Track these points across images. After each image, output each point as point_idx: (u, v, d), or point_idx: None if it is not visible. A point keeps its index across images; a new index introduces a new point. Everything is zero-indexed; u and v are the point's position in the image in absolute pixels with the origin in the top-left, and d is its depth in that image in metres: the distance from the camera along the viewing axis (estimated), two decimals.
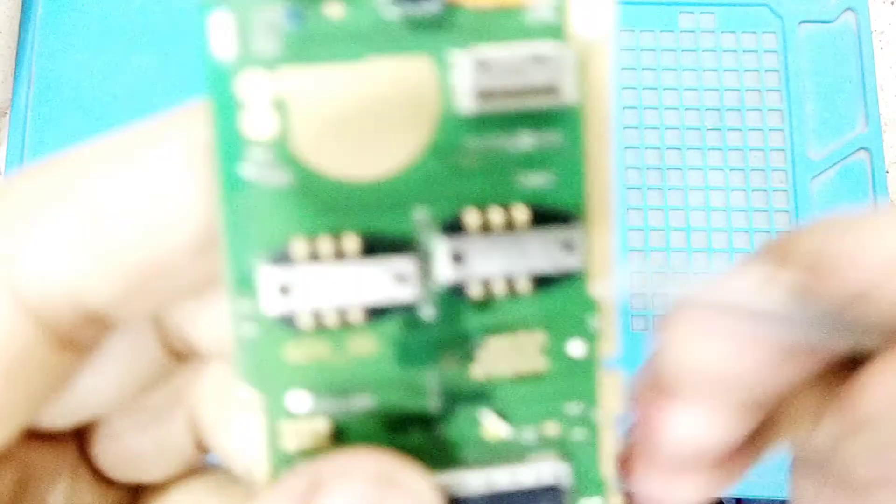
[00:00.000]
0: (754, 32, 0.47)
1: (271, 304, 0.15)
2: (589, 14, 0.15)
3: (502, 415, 0.17)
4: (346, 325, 0.16)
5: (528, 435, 0.17)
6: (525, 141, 0.16)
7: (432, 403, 0.17)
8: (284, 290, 0.15)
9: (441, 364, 0.16)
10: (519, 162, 0.16)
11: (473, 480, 0.17)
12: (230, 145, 0.15)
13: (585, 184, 0.16)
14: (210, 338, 0.18)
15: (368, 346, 0.16)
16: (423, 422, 0.17)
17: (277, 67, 0.15)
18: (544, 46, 0.15)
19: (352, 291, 0.15)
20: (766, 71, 0.47)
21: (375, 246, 0.15)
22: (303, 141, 0.15)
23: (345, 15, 0.15)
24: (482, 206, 0.16)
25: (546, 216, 0.16)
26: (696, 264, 0.45)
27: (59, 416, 0.18)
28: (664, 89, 0.47)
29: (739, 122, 0.46)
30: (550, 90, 0.15)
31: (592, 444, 0.17)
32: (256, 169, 0.15)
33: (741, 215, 0.45)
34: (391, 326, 0.16)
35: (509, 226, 0.16)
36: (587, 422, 0.17)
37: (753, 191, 0.46)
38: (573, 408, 0.17)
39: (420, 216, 0.16)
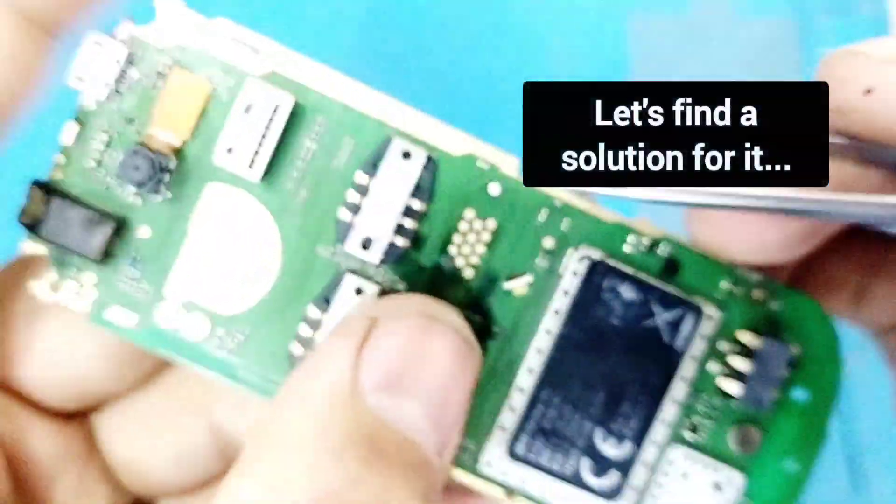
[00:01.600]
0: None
1: None
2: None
3: (515, 275, 0.19)
4: None
5: (542, 263, 0.19)
6: (303, 142, 0.19)
7: (476, 319, 0.19)
8: None
9: (446, 293, 0.19)
10: (324, 154, 0.19)
11: (547, 322, 0.19)
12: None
13: (367, 116, 0.19)
14: None
15: None
16: (482, 332, 0.19)
17: (161, 299, 0.19)
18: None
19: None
20: None
21: (328, 296, 0.19)
22: (223, 309, 0.19)
23: (151, 232, 0.19)
24: (338, 207, 0.19)
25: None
26: None
27: (59, 388, 0.19)
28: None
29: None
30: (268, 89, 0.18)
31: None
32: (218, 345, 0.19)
33: None
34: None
35: (364, 191, 0.19)
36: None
37: None
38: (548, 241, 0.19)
39: (325, 255, 0.19)
